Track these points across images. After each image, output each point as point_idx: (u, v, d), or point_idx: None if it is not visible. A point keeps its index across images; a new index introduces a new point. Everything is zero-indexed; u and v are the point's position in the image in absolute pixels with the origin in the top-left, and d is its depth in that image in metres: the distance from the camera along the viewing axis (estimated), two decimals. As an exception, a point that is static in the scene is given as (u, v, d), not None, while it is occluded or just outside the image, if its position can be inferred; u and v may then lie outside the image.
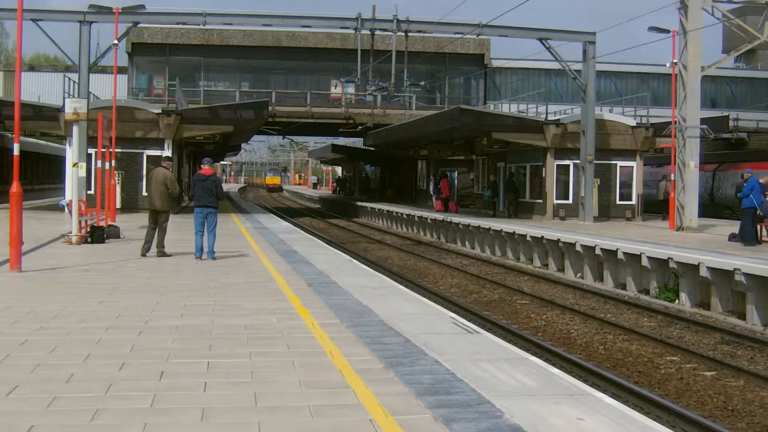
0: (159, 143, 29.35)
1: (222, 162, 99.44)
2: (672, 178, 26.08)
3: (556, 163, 30.30)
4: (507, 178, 33.39)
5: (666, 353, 12.15)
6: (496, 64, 45.38)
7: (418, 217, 35.10)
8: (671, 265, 17.06)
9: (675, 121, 25.98)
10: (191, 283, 11.48)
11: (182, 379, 6.11)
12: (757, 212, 19.72)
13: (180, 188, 15.44)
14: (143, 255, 14.79)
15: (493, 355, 7.19)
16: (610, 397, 6.40)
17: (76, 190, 18.42)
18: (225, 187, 55.12)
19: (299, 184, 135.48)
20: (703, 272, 15.94)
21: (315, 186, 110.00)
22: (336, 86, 44.65)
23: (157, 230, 15.04)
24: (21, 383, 5.88)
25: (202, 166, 14.92)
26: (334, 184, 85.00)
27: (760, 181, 19.80)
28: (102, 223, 19.18)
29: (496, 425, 5.10)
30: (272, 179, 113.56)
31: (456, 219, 30.23)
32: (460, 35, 34.49)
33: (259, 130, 47.37)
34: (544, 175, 30.53)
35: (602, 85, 43.13)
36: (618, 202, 30.84)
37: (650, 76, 46.81)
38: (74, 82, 29.24)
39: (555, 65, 33.00)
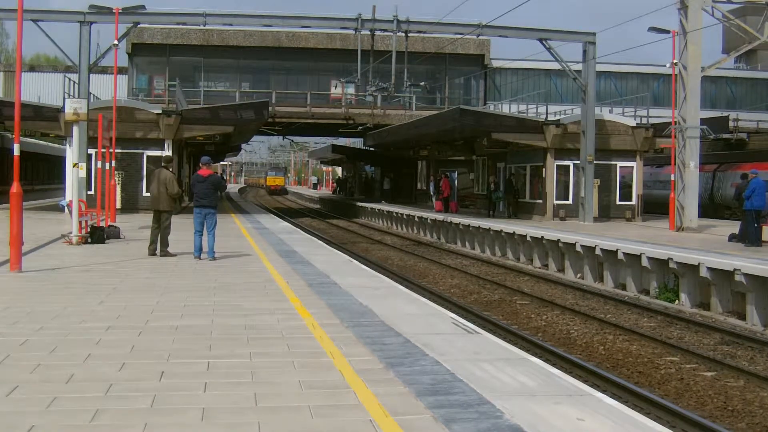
0: (159, 144, 29.35)
1: (222, 162, 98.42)
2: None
3: (556, 164, 30.30)
4: (507, 179, 33.39)
5: (666, 353, 12.15)
6: (496, 64, 45.38)
7: (418, 217, 35.10)
8: (671, 265, 17.06)
9: (675, 122, 25.99)
10: (191, 284, 11.48)
11: (182, 380, 6.11)
12: (760, 214, 19.62)
13: (179, 189, 15.41)
14: (152, 254, 14.87)
15: (493, 355, 7.19)
16: (610, 397, 6.41)
17: (77, 191, 18.42)
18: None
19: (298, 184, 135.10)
20: (703, 272, 15.94)
21: (315, 186, 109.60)
22: (336, 86, 44.67)
23: (159, 230, 15.07)
24: (21, 383, 5.88)
25: (200, 166, 14.94)
26: (335, 184, 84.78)
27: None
28: (102, 224, 19.19)
29: (496, 425, 5.10)
30: (274, 179, 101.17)
31: (456, 219, 30.23)
32: (460, 36, 34.50)
33: (259, 131, 47.38)
34: (544, 176, 30.52)
35: (602, 85, 43.14)
36: (618, 202, 30.83)
37: (650, 77, 46.83)
38: (74, 82, 29.25)
39: (555, 65, 33.00)
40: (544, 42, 29.71)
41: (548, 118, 31.56)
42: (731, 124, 39.98)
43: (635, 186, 30.95)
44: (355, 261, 16.02)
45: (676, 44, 25.62)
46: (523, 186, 32.77)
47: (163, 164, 15.63)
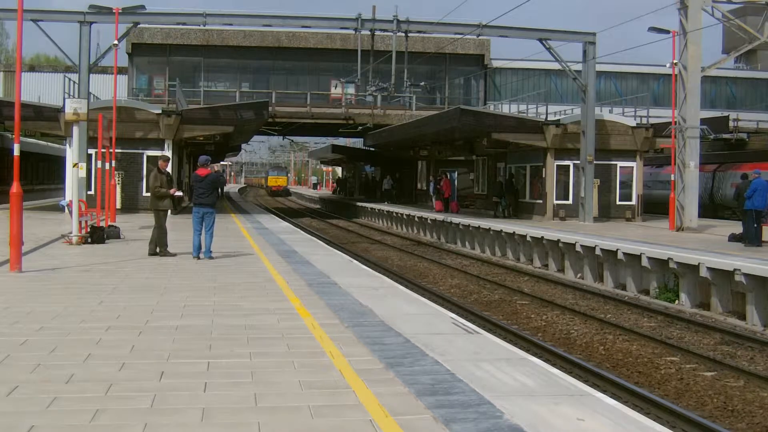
0: (159, 144, 29.35)
1: (222, 162, 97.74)
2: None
3: (556, 164, 30.29)
4: (507, 179, 33.41)
5: (666, 353, 12.15)
6: (496, 64, 45.38)
7: (418, 217, 35.10)
8: (671, 265, 17.06)
9: (675, 122, 26.00)
10: (191, 284, 11.48)
11: (182, 380, 6.11)
12: (761, 214, 19.59)
13: (159, 186, 15.06)
14: (152, 254, 14.87)
15: (493, 355, 7.18)
16: (610, 397, 6.40)
17: (77, 191, 18.44)
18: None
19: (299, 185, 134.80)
20: (703, 272, 15.94)
21: (315, 186, 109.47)
22: (336, 86, 44.65)
23: (157, 230, 15.08)
24: (21, 383, 5.88)
25: (198, 165, 14.95)
26: (335, 184, 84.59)
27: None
28: (102, 224, 19.19)
29: (496, 425, 5.10)
30: (276, 180, 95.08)
31: (456, 219, 30.23)
32: (460, 36, 34.47)
33: (259, 131, 47.39)
34: (544, 176, 30.52)
35: (602, 85, 43.15)
36: (618, 202, 30.84)
37: (650, 77, 46.82)
38: (74, 82, 29.25)
39: (555, 65, 32.99)
40: (544, 42, 29.70)
41: (548, 118, 31.56)
42: (731, 124, 39.97)
43: (635, 186, 30.95)
44: (355, 261, 16.02)
45: (676, 44, 25.62)
46: (523, 186, 32.77)
47: (160, 162, 15.61)
